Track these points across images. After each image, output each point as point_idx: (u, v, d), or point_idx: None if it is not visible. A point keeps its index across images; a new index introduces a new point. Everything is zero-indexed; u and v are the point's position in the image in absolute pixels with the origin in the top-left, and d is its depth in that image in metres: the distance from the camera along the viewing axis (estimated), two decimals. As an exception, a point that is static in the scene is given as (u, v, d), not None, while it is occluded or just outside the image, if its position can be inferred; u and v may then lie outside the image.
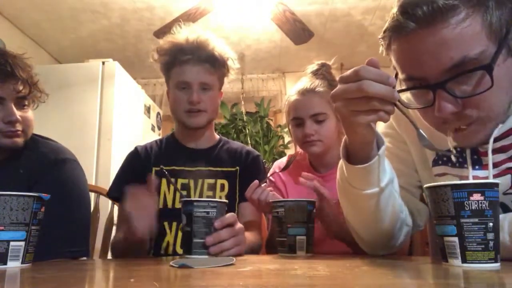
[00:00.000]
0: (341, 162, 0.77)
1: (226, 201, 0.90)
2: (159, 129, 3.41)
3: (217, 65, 1.21)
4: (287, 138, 3.87)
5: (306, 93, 1.20)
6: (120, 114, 2.67)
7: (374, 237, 0.81)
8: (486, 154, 0.73)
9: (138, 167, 1.23)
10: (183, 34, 1.20)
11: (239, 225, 0.90)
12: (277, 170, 1.29)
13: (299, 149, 1.28)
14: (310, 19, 3.09)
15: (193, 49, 1.17)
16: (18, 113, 1.02)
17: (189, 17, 2.60)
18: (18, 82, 1.01)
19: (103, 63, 2.69)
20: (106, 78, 2.66)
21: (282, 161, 1.34)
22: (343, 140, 0.75)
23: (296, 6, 2.79)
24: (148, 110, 3.17)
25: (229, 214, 0.87)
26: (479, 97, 0.65)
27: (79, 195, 1.07)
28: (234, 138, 3.72)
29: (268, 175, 1.32)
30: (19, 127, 1.02)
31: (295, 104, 1.22)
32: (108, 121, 2.59)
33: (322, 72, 1.25)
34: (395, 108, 0.65)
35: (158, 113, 3.44)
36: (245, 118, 3.88)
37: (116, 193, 1.22)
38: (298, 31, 2.76)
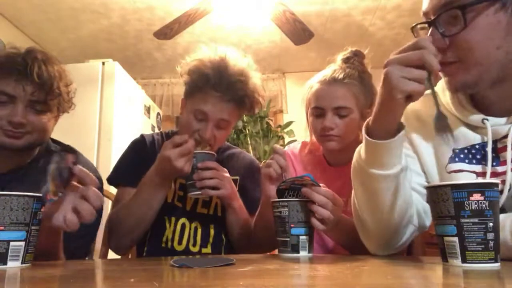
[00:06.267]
0: (358, 148, 0.81)
1: (210, 152, 1.06)
2: (159, 129, 3.41)
3: (243, 107, 1.13)
4: (287, 139, 3.87)
5: (332, 82, 1.11)
6: (120, 114, 2.67)
7: (381, 228, 0.81)
8: (503, 150, 0.75)
9: (143, 154, 1.20)
10: (220, 65, 1.08)
11: (225, 174, 1.07)
12: (290, 153, 1.26)
13: (314, 139, 1.20)
14: (310, 19, 3.09)
15: (226, 87, 1.07)
16: (29, 117, 0.99)
17: (189, 17, 2.60)
18: (31, 84, 0.98)
19: (103, 63, 2.69)
20: (106, 78, 2.66)
21: (296, 146, 1.30)
22: (365, 121, 0.78)
23: (296, 6, 2.79)
24: (148, 110, 3.17)
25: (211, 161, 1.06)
26: (461, 39, 0.71)
27: None
28: (234, 139, 3.73)
29: None
30: (21, 129, 0.99)
31: (318, 92, 1.12)
32: (108, 121, 2.59)
33: (354, 62, 1.14)
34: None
35: (158, 113, 3.44)
36: (245, 118, 3.87)
37: (119, 179, 1.19)
38: (298, 31, 2.75)
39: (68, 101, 1.08)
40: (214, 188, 1.04)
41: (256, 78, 1.14)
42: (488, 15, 0.69)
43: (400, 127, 0.76)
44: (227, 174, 1.08)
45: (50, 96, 1.02)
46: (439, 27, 0.72)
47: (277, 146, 1.02)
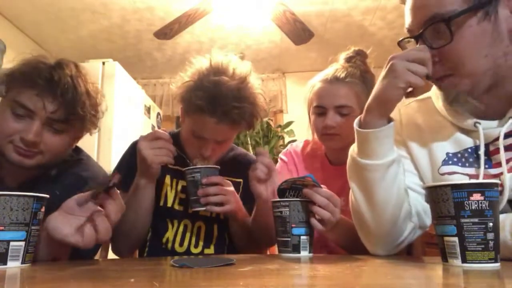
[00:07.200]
0: (353, 146, 0.83)
1: (214, 166, 1.04)
2: (159, 129, 3.41)
3: (241, 127, 1.10)
4: (287, 138, 3.87)
5: (334, 81, 1.11)
6: (120, 114, 2.67)
7: (378, 222, 0.81)
8: (495, 152, 0.76)
9: None
10: (214, 93, 1.01)
11: (230, 188, 1.05)
12: (292, 152, 1.27)
13: (316, 138, 1.20)
14: (310, 19, 3.09)
15: (222, 114, 1.01)
16: (45, 136, 0.91)
17: (189, 17, 2.60)
18: (53, 101, 0.90)
19: (103, 63, 2.68)
20: (106, 78, 2.66)
21: (298, 145, 1.30)
22: (357, 117, 0.82)
23: (296, 6, 2.79)
24: (148, 110, 3.16)
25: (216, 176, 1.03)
26: (450, 51, 0.73)
27: None
28: (234, 138, 3.73)
29: (281, 154, 1.30)
30: (34, 148, 0.90)
31: (320, 91, 1.13)
32: (108, 121, 2.59)
33: (356, 61, 1.15)
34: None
35: (158, 113, 3.44)
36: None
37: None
38: (298, 31, 2.76)
39: (93, 123, 0.99)
40: (218, 203, 1.02)
41: (255, 91, 1.07)
42: (471, 25, 0.71)
43: (390, 120, 0.80)
44: (232, 188, 1.06)
45: (73, 116, 0.93)
46: (426, 41, 0.75)
47: (260, 148, 1.03)
